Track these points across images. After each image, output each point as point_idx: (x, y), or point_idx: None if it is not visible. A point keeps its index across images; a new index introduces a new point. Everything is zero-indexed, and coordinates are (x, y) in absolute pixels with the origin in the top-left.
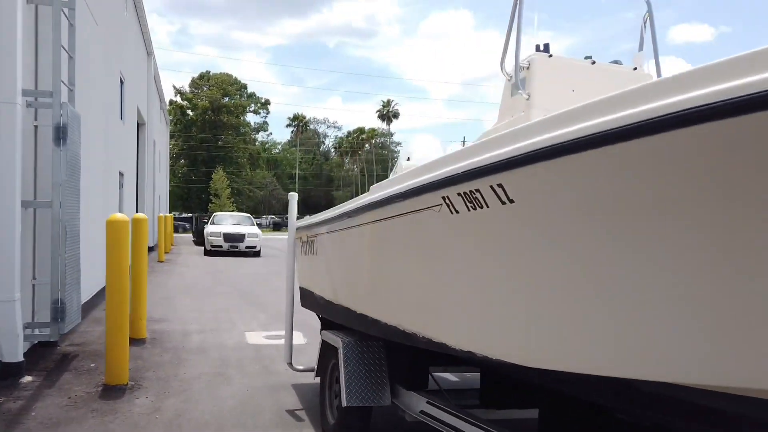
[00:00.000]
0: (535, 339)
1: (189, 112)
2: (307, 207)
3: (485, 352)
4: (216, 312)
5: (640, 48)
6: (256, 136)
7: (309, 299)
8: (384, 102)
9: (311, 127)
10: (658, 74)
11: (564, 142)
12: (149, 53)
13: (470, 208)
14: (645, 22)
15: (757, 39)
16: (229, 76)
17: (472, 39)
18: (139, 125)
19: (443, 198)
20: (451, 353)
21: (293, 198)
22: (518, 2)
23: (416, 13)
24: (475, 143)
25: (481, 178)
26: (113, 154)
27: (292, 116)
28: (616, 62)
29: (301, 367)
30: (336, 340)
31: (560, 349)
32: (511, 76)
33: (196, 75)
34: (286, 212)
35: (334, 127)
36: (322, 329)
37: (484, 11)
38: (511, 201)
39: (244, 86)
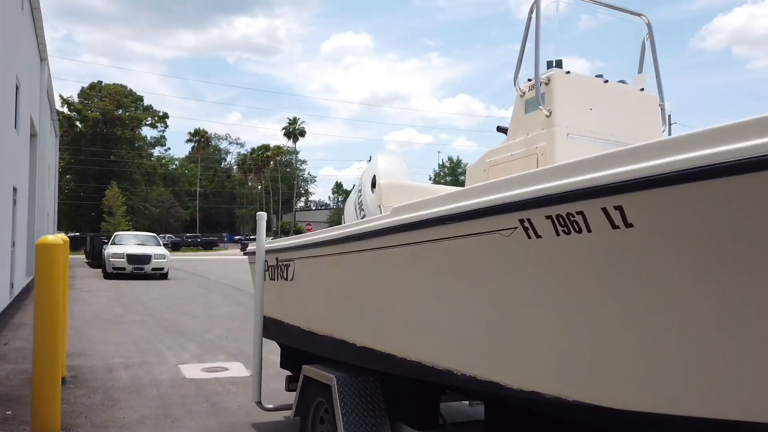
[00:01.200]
0: (652, 382)
1: (78, 123)
2: (207, 225)
3: (575, 396)
4: (137, 343)
5: (640, 70)
6: (153, 150)
7: (275, 329)
8: (290, 119)
9: (213, 143)
10: (660, 95)
11: (730, 161)
12: (43, 59)
13: (562, 233)
14: (644, 44)
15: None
16: (123, 87)
17: (373, 61)
18: (32, 136)
19: (521, 221)
20: (498, 392)
21: (262, 218)
22: (535, 13)
23: (318, 33)
24: (570, 163)
25: (590, 199)
26: (6, 166)
27: (193, 131)
28: (622, 82)
29: (271, 406)
30: (326, 376)
31: (689, 392)
32: (524, 92)
33: (84, 84)
34: (186, 231)
35: (237, 143)
36: (284, 362)
37: (383, 35)
38: (629, 225)
39: (140, 98)
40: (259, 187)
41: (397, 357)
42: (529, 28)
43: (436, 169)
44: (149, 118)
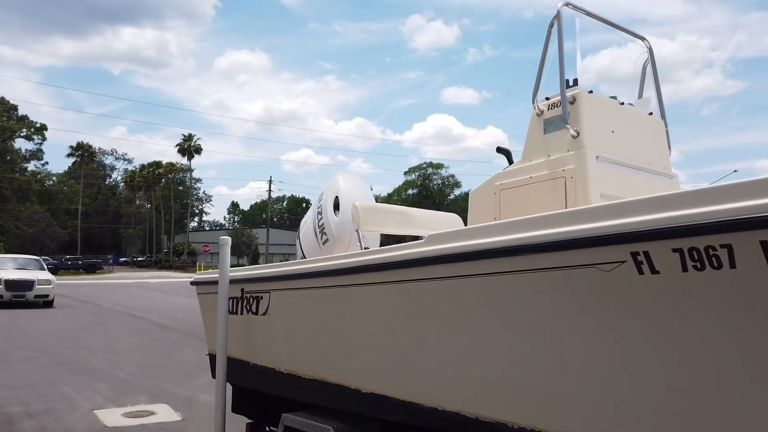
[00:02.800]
0: None
1: None
2: (89, 246)
3: None
4: (36, 385)
5: (640, 94)
6: (28, 165)
7: (236, 371)
8: (185, 136)
9: (97, 158)
10: (663, 118)
11: None
12: None
13: (692, 268)
14: (645, 68)
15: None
16: None
17: (269, 80)
18: None
19: (633, 254)
20: None
21: (226, 244)
22: (557, 28)
23: (212, 49)
24: (690, 191)
25: (744, 231)
26: None
27: (75, 145)
28: (613, 98)
29: None
30: (321, 428)
31: None
32: (542, 111)
33: None
34: (65, 252)
35: (124, 159)
36: (240, 407)
37: (280, 55)
38: None
39: (14, 107)
40: (148, 205)
41: (425, 406)
42: (549, 44)
43: None
44: (24, 130)
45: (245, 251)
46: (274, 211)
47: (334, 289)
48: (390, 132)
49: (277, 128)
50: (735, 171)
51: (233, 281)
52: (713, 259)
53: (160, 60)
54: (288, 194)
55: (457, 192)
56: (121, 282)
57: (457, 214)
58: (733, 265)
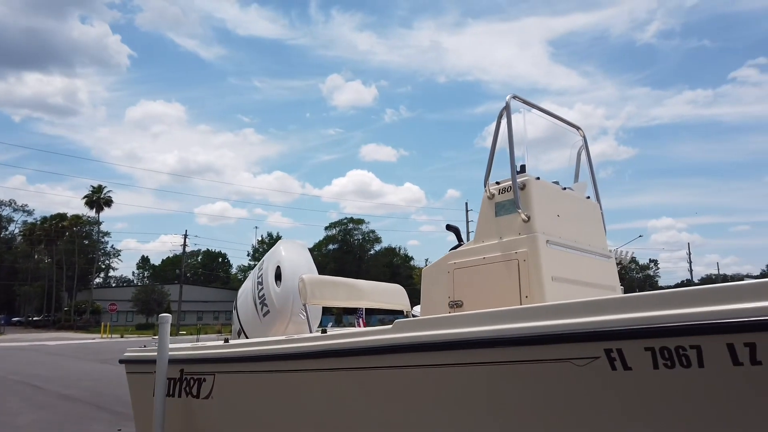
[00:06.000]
0: None
1: None
2: None
3: None
4: None
5: (576, 179)
6: None
7: None
8: (94, 187)
9: None
10: (598, 201)
11: None
12: None
13: (663, 366)
14: (580, 154)
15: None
16: None
17: (185, 131)
18: None
19: (607, 351)
20: None
21: (165, 321)
22: (506, 118)
23: (125, 98)
24: (664, 292)
25: (713, 334)
26: None
27: None
28: (555, 183)
29: None
30: None
31: None
32: (493, 195)
33: None
34: None
35: (23, 210)
36: None
37: (197, 107)
38: (757, 363)
39: None
40: (48, 260)
41: None
42: (498, 132)
43: (255, 244)
44: None
45: (155, 309)
46: (188, 266)
47: (289, 374)
48: (310, 186)
49: (193, 180)
50: (640, 236)
51: (172, 361)
52: (683, 358)
53: (68, 107)
54: (203, 248)
55: (377, 247)
56: (15, 345)
57: (378, 270)
58: (701, 365)
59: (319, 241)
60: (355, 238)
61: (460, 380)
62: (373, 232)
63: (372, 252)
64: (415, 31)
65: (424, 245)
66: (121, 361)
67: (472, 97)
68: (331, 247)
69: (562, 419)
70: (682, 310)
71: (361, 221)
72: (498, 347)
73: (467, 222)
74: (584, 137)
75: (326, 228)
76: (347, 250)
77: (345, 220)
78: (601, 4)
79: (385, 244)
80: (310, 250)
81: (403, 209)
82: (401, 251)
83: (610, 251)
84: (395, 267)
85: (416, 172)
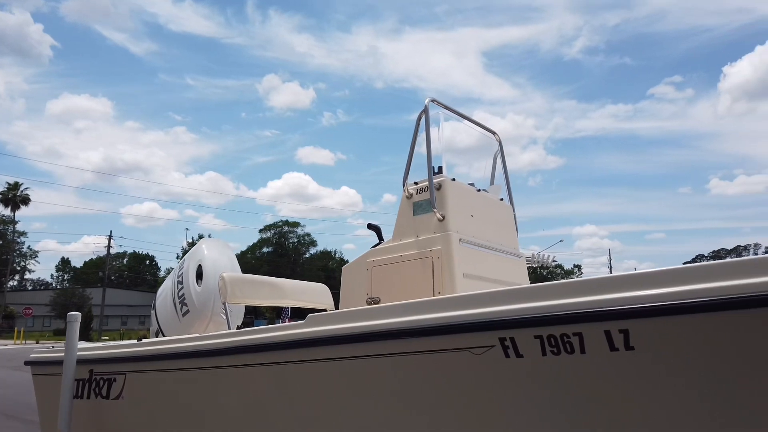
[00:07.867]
0: None
1: None
2: None
3: None
4: None
5: (492, 182)
6: None
7: None
8: (10, 184)
9: None
10: (511, 203)
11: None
12: None
13: (550, 353)
14: (495, 158)
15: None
16: None
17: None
18: None
19: (501, 339)
20: None
21: (75, 320)
22: (425, 120)
23: (46, 91)
24: (551, 284)
25: (592, 322)
26: None
27: None
28: (471, 185)
29: None
30: None
31: None
32: (411, 194)
33: None
34: None
35: None
36: None
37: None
38: (630, 348)
39: None
40: None
41: None
42: (417, 134)
43: (185, 246)
44: None
45: None
46: (112, 269)
47: (204, 371)
48: (244, 188)
49: (119, 179)
50: (561, 240)
51: (81, 361)
52: (567, 345)
53: None
54: (130, 250)
55: (312, 250)
56: None
57: (313, 273)
58: (583, 351)
59: (253, 244)
60: (290, 241)
61: (370, 371)
62: (308, 235)
63: (307, 255)
64: (354, 36)
65: (361, 249)
66: (26, 363)
67: (409, 104)
68: (265, 249)
69: (467, 407)
70: (566, 300)
71: (296, 224)
72: (403, 338)
73: None
74: (500, 142)
75: (260, 230)
76: (282, 254)
77: (280, 223)
78: (533, 18)
79: (320, 247)
80: (243, 252)
81: (340, 213)
82: (337, 255)
83: (533, 255)
84: (330, 271)
85: (354, 177)
